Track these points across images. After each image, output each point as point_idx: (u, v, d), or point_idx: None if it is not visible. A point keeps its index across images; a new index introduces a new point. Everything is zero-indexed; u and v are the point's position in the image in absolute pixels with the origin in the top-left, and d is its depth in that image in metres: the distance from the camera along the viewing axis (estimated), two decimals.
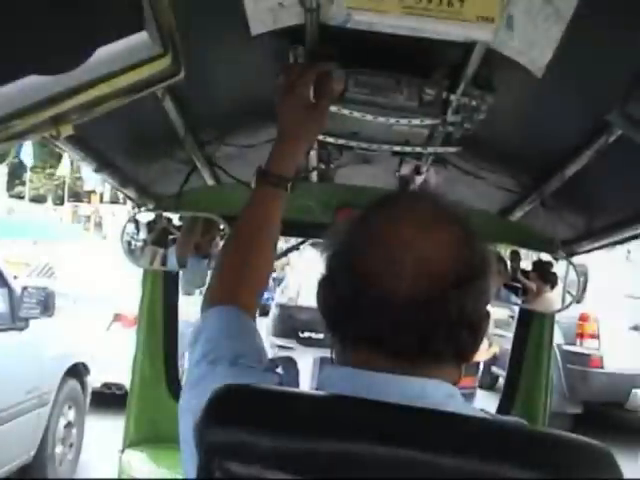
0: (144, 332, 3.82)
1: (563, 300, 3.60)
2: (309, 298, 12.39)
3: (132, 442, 3.78)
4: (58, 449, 8.23)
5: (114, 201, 35.17)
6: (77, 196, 44.00)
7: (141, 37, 1.54)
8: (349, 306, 1.45)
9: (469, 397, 12.53)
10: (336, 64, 2.35)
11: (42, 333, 7.78)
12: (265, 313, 25.06)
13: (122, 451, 3.76)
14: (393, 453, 1.27)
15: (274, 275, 28.21)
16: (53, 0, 1.54)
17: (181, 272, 3.87)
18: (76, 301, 11.41)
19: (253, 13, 2.14)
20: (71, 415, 8.50)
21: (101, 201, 39.15)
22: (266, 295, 26.19)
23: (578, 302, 12.15)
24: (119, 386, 10.71)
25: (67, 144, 2.61)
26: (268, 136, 3.13)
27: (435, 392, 1.44)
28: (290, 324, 12.88)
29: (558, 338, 12.29)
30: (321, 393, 1.42)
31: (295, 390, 1.48)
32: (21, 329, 7.38)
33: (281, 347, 12.59)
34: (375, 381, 1.43)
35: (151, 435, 3.78)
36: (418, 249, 1.43)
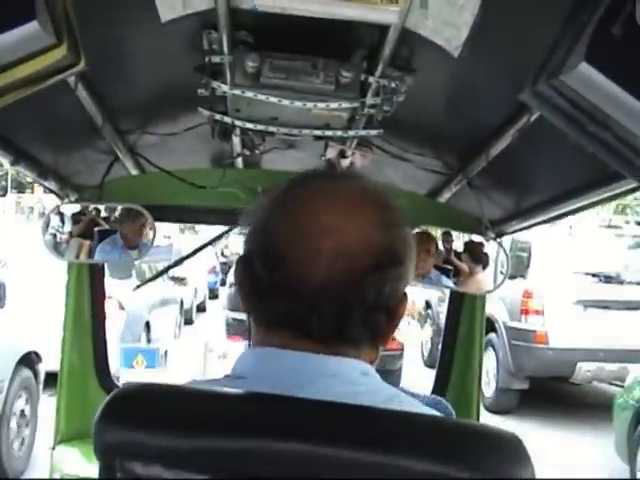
0: (71, 325, 3.75)
1: (495, 281, 3.59)
2: None
3: (63, 438, 3.70)
4: (11, 437, 8.33)
5: None
6: (21, 187, 43.41)
7: (32, 27, 1.48)
8: (265, 288, 1.42)
9: (398, 358, 12.81)
10: None
11: None
12: (214, 296, 25.20)
13: (53, 448, 3.68)
14: (293, 448, 1.24)
15: (224, 260, 28.22)
16: None
17: (106, 263, 3.81)
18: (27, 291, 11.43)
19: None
20: (23, 403, 8.59)
21: (45, 191, 38.21)
22: (214, 279, 26.26)
23: (521, 277, 12.32)
24: None
25: None
26: (189, 123, 3.09)
27: (350, 370, 1.42)
28: None
29: (503, 315, 12.42)
30: (218, 390, 1.38)
31: (193, 388, 1.44)
32: None
33: (234, 319, 14.10)
34: (290, 361, 1.41)
35: (83, 430, 3.70)
36: (335, 232, 1.40)
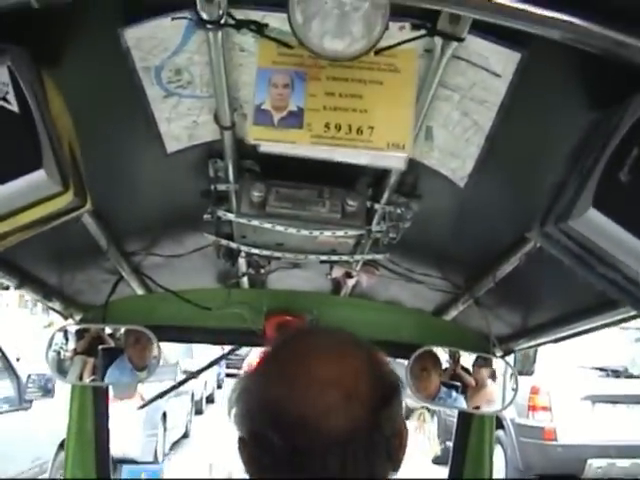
0: (73, 450, 3.66)
1: (503, 398, 3.54)
2: None
3: None
4: None
5: None
6: None
7: (39, 175, 1.49)
8: (287, 458, 1.39)
9: None
10: None
11: (41, 412, 9.25)
12: (219, 386, 25.35)
13: None
14: None
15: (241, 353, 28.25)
16: None
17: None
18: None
19: (167, 132, 2.10)
20: None
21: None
22: (217, 370, 26.24)
23: (527, 374, 12.19)
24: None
25: None
26: (194, 245, 3.08)
27: None
28: None
29: (510, 412, 12.23)
30: None
31: None
32: (26, 409, 9.07)
33: None
34: None
35: None
36: (339, 380, 1.41)
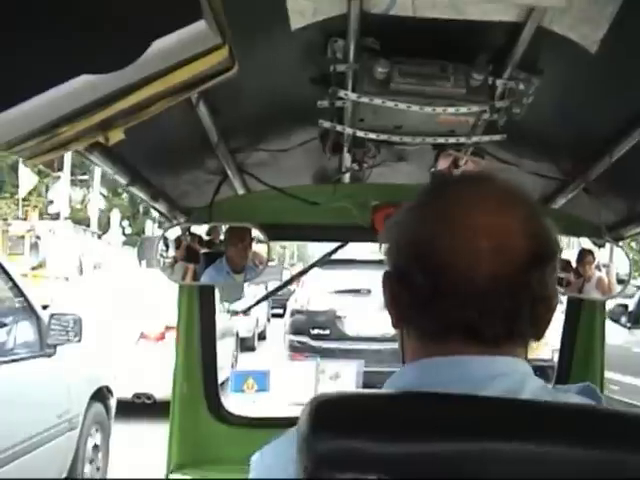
0: (182, 350, 3.69)
1: (614, 285, 3.49)
2: (316, 305, 14.99)
3: (176, 466, 3.65)
4: (87, 469, 8.38)
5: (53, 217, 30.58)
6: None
7: (199, 27, 1.45)
8: (428, 298, 1.39)
9: None
10: None
11: (68, 359, 7.91)
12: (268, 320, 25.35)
13: (167, 476, 3.63)
14: (518, 449, 1.21)
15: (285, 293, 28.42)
16: None
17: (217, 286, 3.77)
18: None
19: (294, 5, 2.05)
20: (98, 438, 8.67)
21: (41, 217, 31.28)
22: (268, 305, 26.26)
23: None
24: (148, 395, 12.01)
25: (99, 157, 2.52)
26: (300, 139, 3.05)
27: (514, 371, 1.40)
28: (303, 324, 15.08)
29: None
30: (421, 392, 1.34)
31: (395, 392, 1.39)
32: (49, 355, 7.55)
33: (298, 341, 14.94)
34: (465, 367, 1.38)
35: (195, 457, 3.66)
36: (493, 231, 1.38)
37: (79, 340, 7.56)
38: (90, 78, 1.51)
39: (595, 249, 3.44)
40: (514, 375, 1.39)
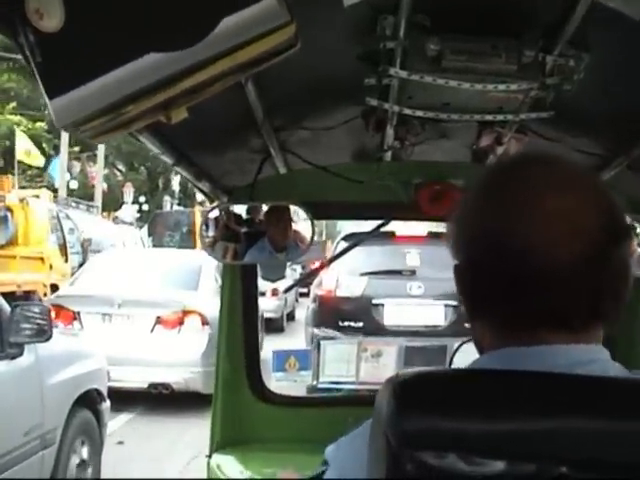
0: (225, 329, 3.72)
1: None
2: (348, 289, 12.33)
3: (219, 445, 3.68)
4: None
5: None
6: None
7: (269, 4, 1.45)
8: (507, 287, 1.37)
9: None
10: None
11: (42, 359, 6.48)
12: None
13: (209, 456, 3.66)
14: (603, 427, 1.22)
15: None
16: None
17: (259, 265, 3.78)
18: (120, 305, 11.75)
19: None
20: (84, 452, 7.19)
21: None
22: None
23: None
24: (165, 385, 11.06)
25: (148, 137, 2.54)
26: (343, 117, 3.05)
27: (598, 359, 1.39)
28: (330, 314, 12.32)
29: None
30: (503, 370, 1.33)
31: (477, 369, 1.39)
32: (13, 357, 6.11)
33: (322, 336, 11.76)
34: (541, 355, 1.36)
35: (238, 437, 3.70)
36: (568, 211, 1.37)
37: (48, 338, 6.18)
38: (157, 56, 1.52)
39: (638, 226, 3.43)
40: (598, 362, 1.37)
